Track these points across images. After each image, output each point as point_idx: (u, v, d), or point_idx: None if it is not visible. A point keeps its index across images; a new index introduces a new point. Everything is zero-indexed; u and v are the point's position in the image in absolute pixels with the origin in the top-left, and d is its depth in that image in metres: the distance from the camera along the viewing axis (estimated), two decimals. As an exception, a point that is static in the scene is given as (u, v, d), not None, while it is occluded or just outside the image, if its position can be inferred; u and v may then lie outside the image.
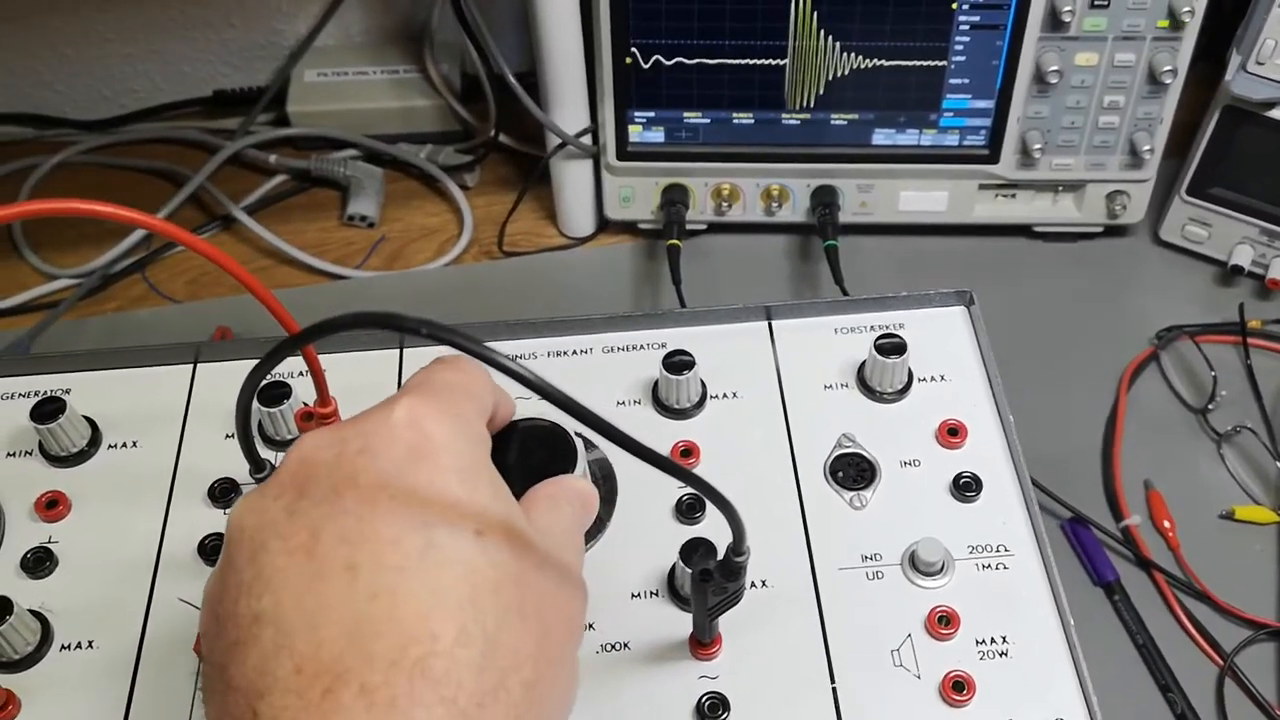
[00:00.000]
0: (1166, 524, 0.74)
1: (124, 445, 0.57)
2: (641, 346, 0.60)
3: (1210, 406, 0.79)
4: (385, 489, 0.36)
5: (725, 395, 0.58)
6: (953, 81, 0.83)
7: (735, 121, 0.85)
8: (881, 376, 0.58)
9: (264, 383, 0.51)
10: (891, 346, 0.57)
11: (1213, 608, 0.71)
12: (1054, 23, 0.78)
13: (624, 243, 0.93)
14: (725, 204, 0.89)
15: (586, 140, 0.88)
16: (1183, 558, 0.73)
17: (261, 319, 0.86)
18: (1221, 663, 0.68)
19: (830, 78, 0.82)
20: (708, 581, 0.45)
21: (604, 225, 0.94)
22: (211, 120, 1.02)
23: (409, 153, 0.98)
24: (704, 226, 0.92)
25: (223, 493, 0.55)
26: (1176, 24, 0.78)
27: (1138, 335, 0.84)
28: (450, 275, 0.92)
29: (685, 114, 0.85)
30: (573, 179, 0.91)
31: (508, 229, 0.94)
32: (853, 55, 0.81)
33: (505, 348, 0.59)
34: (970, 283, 0.88)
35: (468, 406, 0.40)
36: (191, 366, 0.59)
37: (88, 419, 0.57)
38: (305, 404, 0.56)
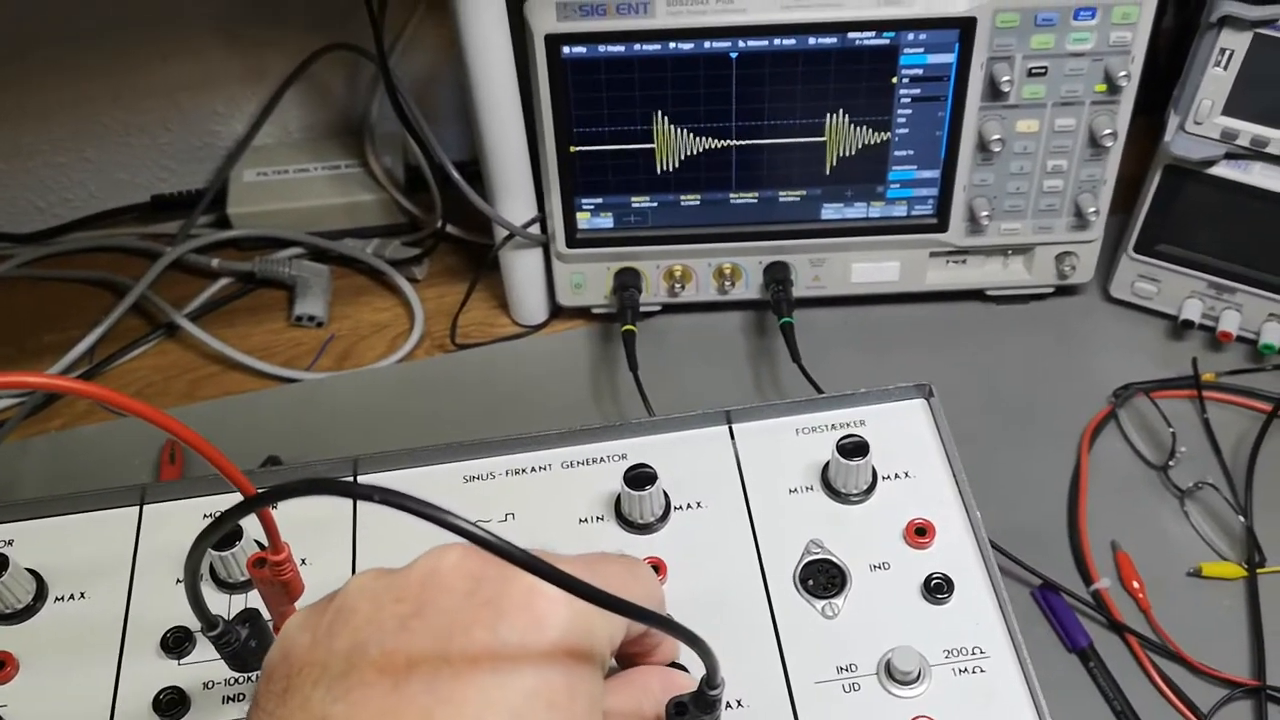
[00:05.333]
0: (1136, 585, 0.74)
1: (71, 597, 0.55)
2: (601, 459, 0.59)
3: (1171, 463, 0.79)
4: (492, 656, 0.35)
5: (690, 506, 0.57)
6: (897, 153, 0.83)
7: (683, 203, 0.85)
8: (846, 478, 0.57)
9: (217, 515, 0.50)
10: (854, 447, 0.56)
11: (1187, 669, 0.70)
12: (994, 92, 0.79)
13: (578, 327, 0.93)
14: (678, 285, 0.89)
15: (535, 229, 0.87)
16: (1154, 619, 0.72)
17: (212, 429, 0.85)
18: (1200, 725, 0.68)
19: (775, 156, 0.83)
20: (683, 716, 0.44)
21: (557, 311, 0.93)
22: (150, 226, 1.01)
23: (355, 248, 0.96)
24: (658, 308, 0.91)
25: (176, 643, 0.53)
26: (1114, 88, 0.79)
27: (1095, 394, 0.84)
28: (403, 372, 0.91)
29: (633, 199, 0.85)
30: (523, 267, 0.90)
31: (460, 320, 0.93)
32: (796, 134, 0.81)
33: (462, 469, 0.59)
34: (926, 349, 0.89)
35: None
36: (138, 509, 0.57)
37: (32, 572, 0.55)
38: (259, 543, 0.54)
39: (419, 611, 0.36)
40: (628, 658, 0.44)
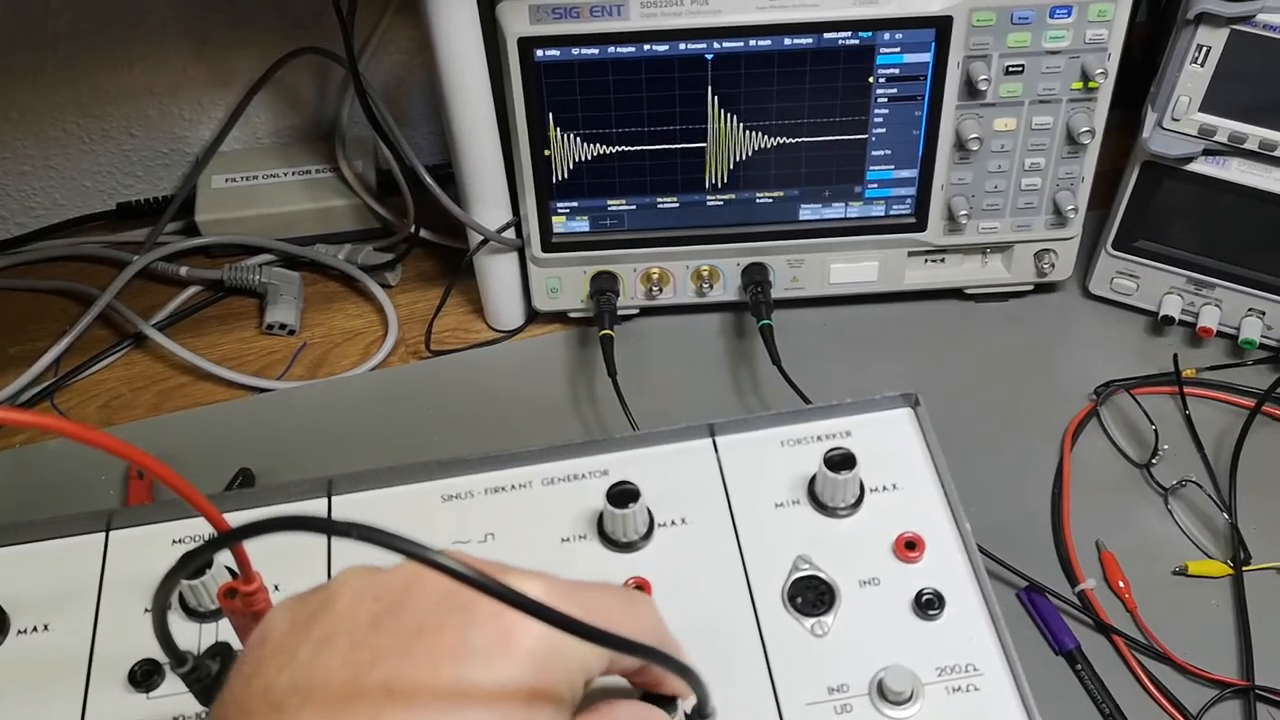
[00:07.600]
0: (1121, 584, 0.73)
1: (34, 630, 0.53)
2: (582, 475, 0.58)
3: (1154, 461, 0.79)
4: (456, 664, 0.35)
5: (674, 523, 0.56)
6: (875, 153, 0.82)
7: (660, 206, 0.84)
8: (833, 492, 0.56)
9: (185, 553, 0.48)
10: (841, 460, 0.55)
11: (1175, 669, 0.70)
12: (970, 91, 0.78)
13: (555, 332, 0.91)
14: (656, 288, 0.87)
15: (510, 234, 0.85)
16: (1141, 619, 0.72)
17: (182, 441, 0.83)
18: (1188, 726, 0.67)
19: (752, 157, 0.81)
20: (673, 745, 0.43)
21: (533, 316, 0.91)
22: (116, 234, 0.98)
23: (327, 254, 0.95)
24: (636, 311, 0.90)
25: (144, 676, 0.51)
26: (1090, 85, 0.78)
27: (1076, 391, 0.84)
28: (377, 380, 0.89)
29: (609, 202, 0.84)
30: (498, 272, 0.88)
31: (435, 326, 0.91)
32: (773, 135, 0.80)
33: (440, 488, 0.58)
34: (905, 349, 0.88)
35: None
36: (103, 535, 0.56)
37: (-7, 603, 0.54)
38: (229, 569, 0.52)
39: (394, 610, 0.36)
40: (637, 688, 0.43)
